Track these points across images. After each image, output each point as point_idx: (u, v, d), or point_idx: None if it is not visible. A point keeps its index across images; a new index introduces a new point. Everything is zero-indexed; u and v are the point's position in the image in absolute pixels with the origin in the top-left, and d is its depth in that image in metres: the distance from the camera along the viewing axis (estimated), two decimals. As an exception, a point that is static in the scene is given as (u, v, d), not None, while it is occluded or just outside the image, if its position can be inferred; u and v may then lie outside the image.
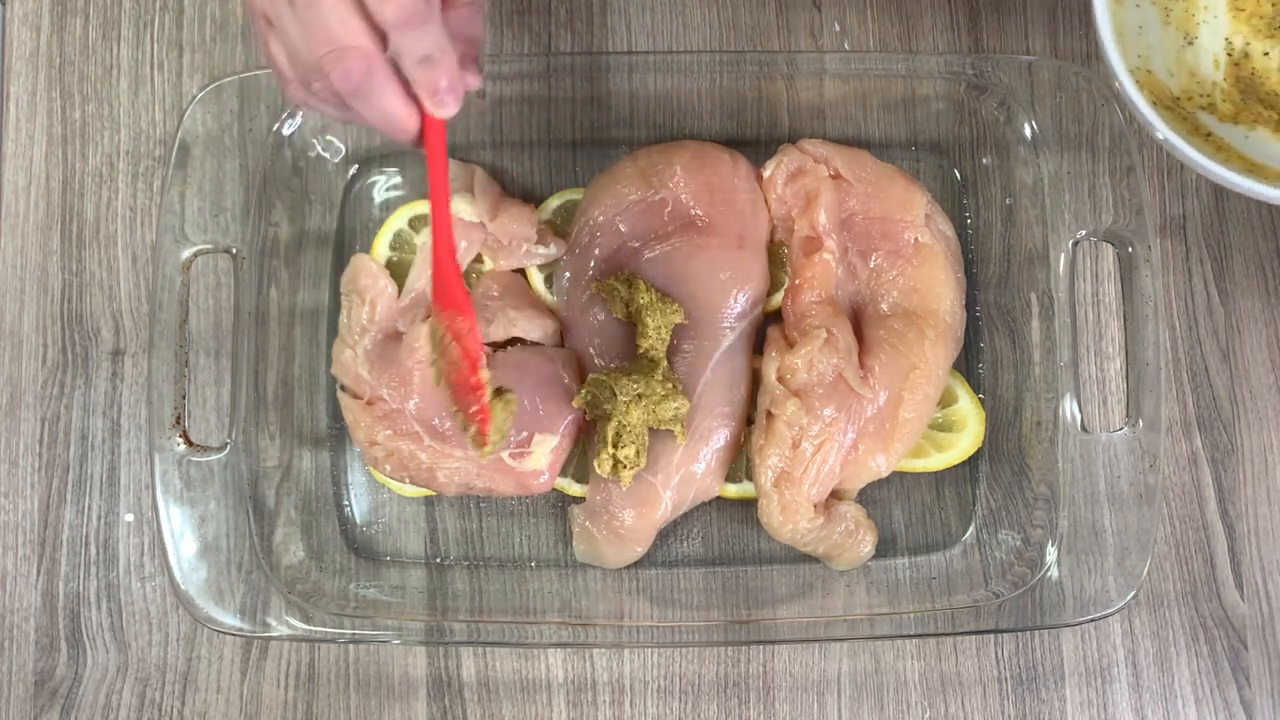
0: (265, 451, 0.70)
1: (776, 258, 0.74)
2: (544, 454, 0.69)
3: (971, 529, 0.73)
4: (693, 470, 0.70)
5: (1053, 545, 0.68)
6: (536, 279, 0.75)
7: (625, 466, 0.68)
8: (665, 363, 0.69)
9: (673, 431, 0.69)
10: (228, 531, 0.67)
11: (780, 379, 0.70)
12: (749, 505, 0.73)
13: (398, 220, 0.74)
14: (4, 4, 0.78)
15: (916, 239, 0.72)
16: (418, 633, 0.68)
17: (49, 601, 0.74)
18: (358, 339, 0.71)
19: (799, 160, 0.73)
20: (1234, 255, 0.76)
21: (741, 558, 0.74)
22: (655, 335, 0.69)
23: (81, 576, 0.74)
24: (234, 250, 0.69)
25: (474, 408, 0.61)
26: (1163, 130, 0.58)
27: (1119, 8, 0.62)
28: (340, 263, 0.74)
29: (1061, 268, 0.69)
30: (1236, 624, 0.73)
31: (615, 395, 0.67)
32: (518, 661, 0.73)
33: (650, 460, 0.69)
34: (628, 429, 0.68)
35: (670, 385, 0.68)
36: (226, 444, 0.68)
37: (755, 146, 0.75)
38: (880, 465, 0.70)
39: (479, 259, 0.74)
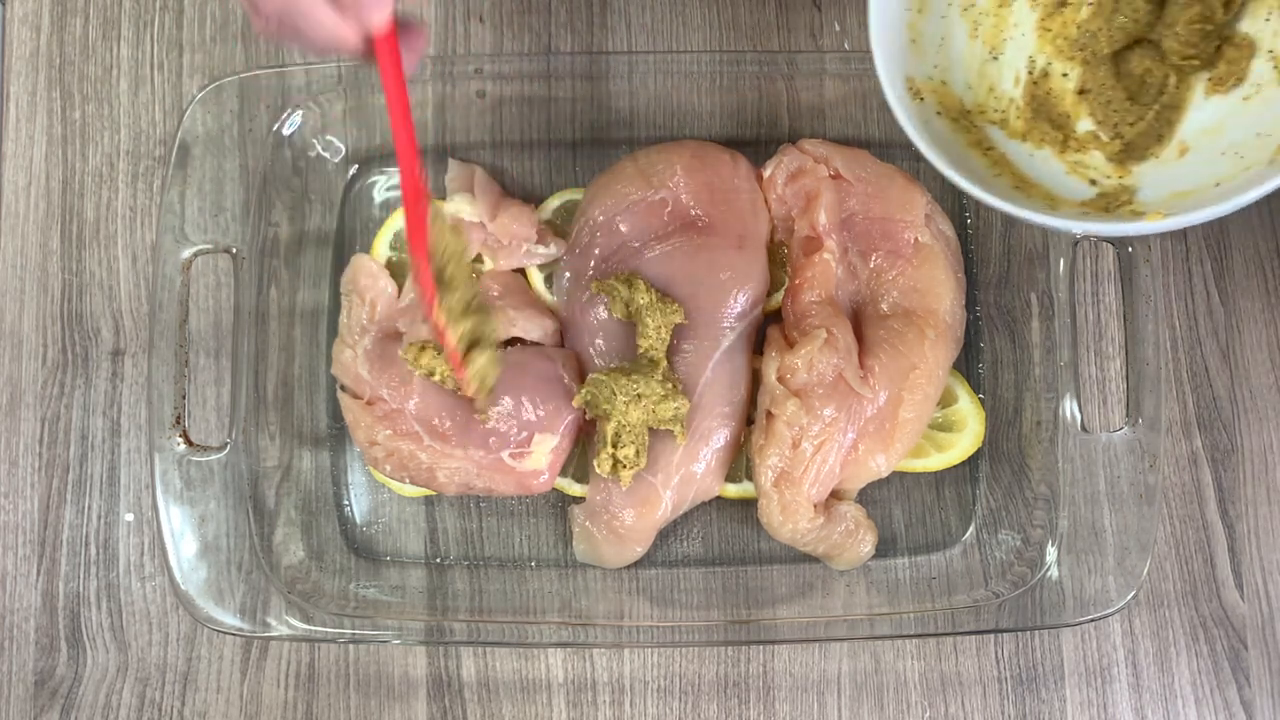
0: (265, 451, 0.70)
1: (776, 258, 0.74)
2: (544, 454, 0.69)
3: (971, 529, 0.73)
4: (693, 470, 0.70)
5: (1053, 545, 0.68)
6: (536, 279, 0.75)
7: (625, 466, 0.68)
8: (665, 363, 0.69)
9: (673, 431, 0.69)
10: (228, 531, 0.67)
11: (780, 379, 0.70)
12: (749, 505, 0.73)
13: (398, 220, 0.74)
14: (4, 4, 0.78)
15: (916, 239, 0.72)
16: (418, 633, 0.68)
17: (49, 601, 0.74)
18: (358, 339, 0.71)
19: (799, 160, 0.73)
20: (1234, 255, 0.76)
21: (741, 558, 0.74)
22: (655, 335, 0.69)
23: (81, 576, 0.74)
24: (234, 250, 0.69)
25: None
26: (917, 138, 0.59)
27: (919, 18, 0.63)
28: (340, 263, 0.74)
29: (1061, 268, 0.69)
30: (1236, 624, 0.73)
31: (615, 395, 0.67)
32: (518, 661, 0.73)
33: (650, 460, 0.70)
34: (628, 429, 0.68)
35: (670, 385, 0.68)
36: (226, 444, 0.68)
37: (755, 146, 0.75)
38: (880, 465, 0.70)
39: (479, 259, 0.74)
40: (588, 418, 0.71)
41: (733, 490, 0.73)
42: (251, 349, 0.69)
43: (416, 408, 0.69)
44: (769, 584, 0.72)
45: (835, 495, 0.72)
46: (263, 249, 0.70)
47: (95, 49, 0.78)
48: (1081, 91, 0.64)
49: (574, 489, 0.73)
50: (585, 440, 0.73)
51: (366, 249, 0.75)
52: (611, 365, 0.71)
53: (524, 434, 0.69)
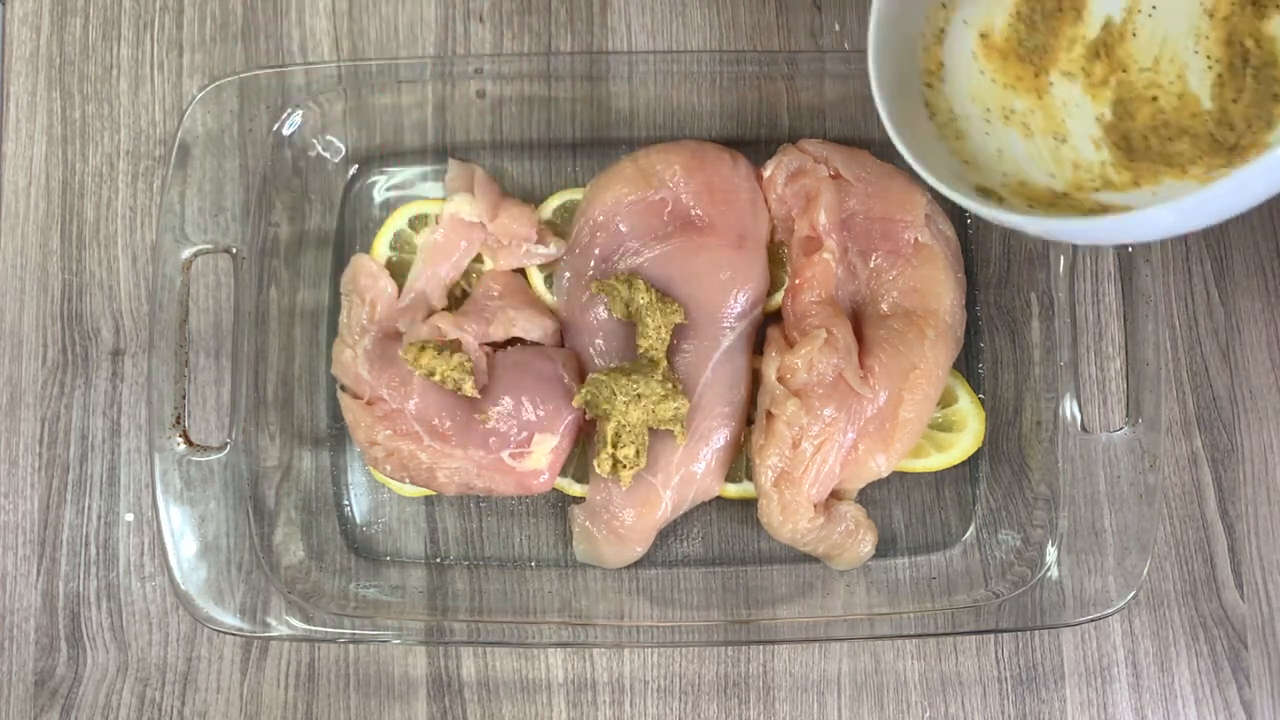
0: (265, 451, 0.70)
1: (776, 258, 0.74)
2: (544, 454, 0.69)
3: (971, 529, 0.73)
4: (693, 470, 0.70)
5: (1053, 545, 0.68)
6: (536, 279, 0.75)
7: (625, 466, 0.68)
8: (665, 363, 0.69)
9: (673, 431, 0.69)
10: (228, 531, 0.67)
11: (780, 379, 0.70)
12: (749, 505, 0.73)
13: (398, 220, 0.74)
14: (4, 4, 0.78)
15: (916, 239, 0.71)
16: (418, 633, 0.68)
17: (49, 601, 0.74)
18: (358, 339, 0.71)
19: (799, 160, 0.73)
20: (1234, 255, 0.76)
21: (741, 558, 0.74)
22: (655, 335, 0.69)
23: (81, 576, 0.74)
24: (234, 250, 0.69)
25: None
26: (1054, 234, 0.57)
27: (961, 144, 0.61)
28: (340, 263, 0.74)
29: (1061, 268, 0.69)
30: (1236, 624, 0.73)
31: (615, 395, 0.67)
32: (518, 661, 0.73)
33: (650, 460, 0.70)
34: (627, 429, 0.68)
35: (670, 385, 0.68)
36: (226, 444, 0.68)
37: (755, 146, 0.75)
38: (880, 465, 0.70)
39: (479, 259, 0.74)
40: (588, 418, 0.71)
41: (733, 490, 0.73)
42: (251, 349, 0.69)
43: (416, 408, 0.69)
44: (769, 584, 0.72)
45: (835, 495, 0.72)
46: (263, 249, 0.70)
47: (95, 49, 0.78)
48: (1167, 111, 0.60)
49: (574, 489, 0.73)
50: (585, 440, 0.73)
51: (366, 249, 0.75)
52: (611, 365, 0.71)
53: (524, 434, 0.69)
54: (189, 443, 0.67)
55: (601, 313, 0.72)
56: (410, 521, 0.74)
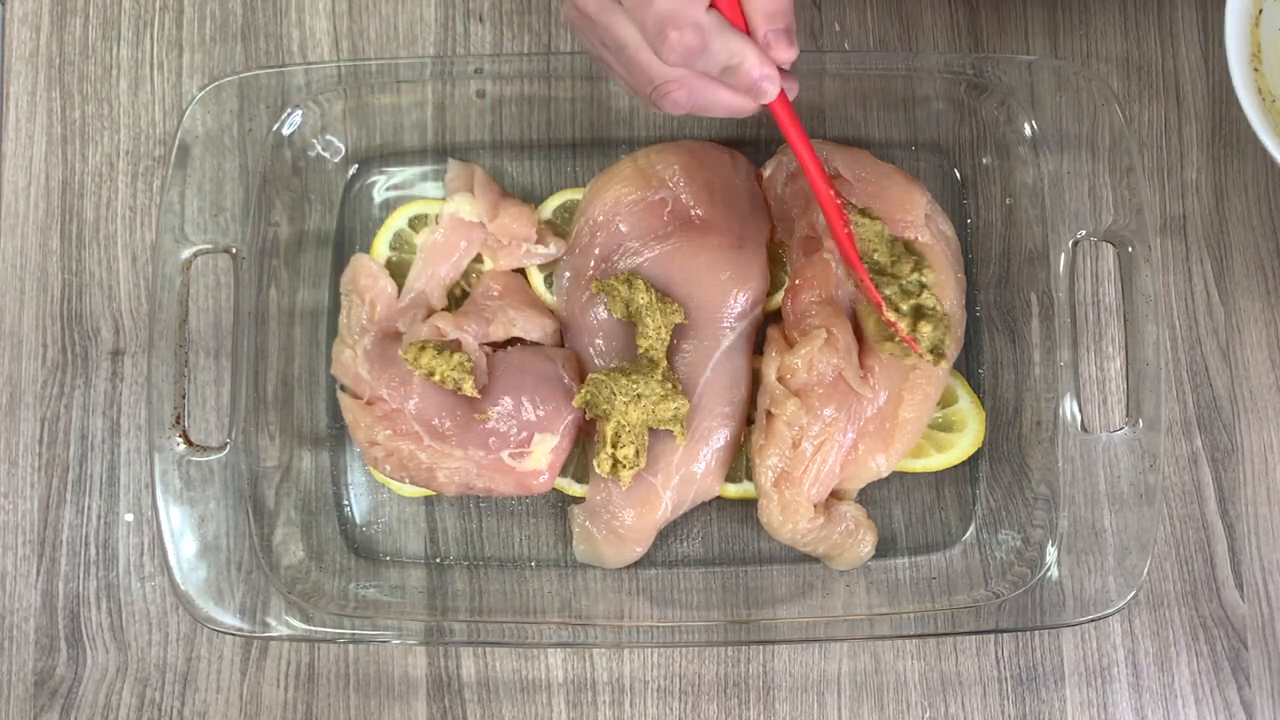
0: (265, 451, 0.70)
1: (776, 258, 0.74)
2: (544, 454, 0.69)
3: (971, 529, 0.73)
4: (693, 470, 0.70)
5: (1053, 545, 0.68)
6: (536, 279, 0.75)
7: (625, 466, 0.68)
8: (665, 363, 0.69)
9: (672, 431, 0.69)
10: (228, 531, 0.67)
11: (780, 379, 0.69)
12: (749, 505, 0.73)
13: (398, 220, 0.74)
14: (4, 4, 0.78)
15: (916, 239, 0.71)
16: (418, 633, 0.68)
17: (49, 601, 0.74)
18: (358, 339, 0.71)
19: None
20: (1234, 255, 0.76)
21: (741, 558, 0.74)
22: (655, 335, 0.69)
23: (81, 576, 0.74)
24: (234, 250, 0.69)
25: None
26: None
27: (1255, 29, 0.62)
28: (340, 263, 0.74)
29: (1061, 268, 0.69)
30: (1236, 624, 0.73)
31: (615, 395, 0.67)
32: (518, 661, 0.73)
33: (650, 460, 0.70)
34: (627, 429, 0.68)
35: (670, 385, 0.68)
36: (226, 444, 0.68)
37: (755, 146, 0.75)
38: (880, 465, 0.70)
39: (479, 259, 0.74)
40: (588, 418, 0.71)
41: (733, 490, 0.73)
42: (251, 349, 0.69)
43: (416, 408, 0.69)
44: (769, 584, 0.72)
45: (835, 495, 0.72)
46: (263, 249, 0.70)
47: (95, 49, 0.78)
48: None
49: (574, 489, 0.73)
50: (585, 440, 0.73)
51: (366, 249, 0.75)
52: (611, 365, 0.71)
53: (524, 434, 0.69)
54: (189, 443, 0.67)
55: (601, 313, 0.72)
56: (410, 521, 0.74)
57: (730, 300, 0.71)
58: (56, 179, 0.76)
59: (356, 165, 0.75)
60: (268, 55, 0.77)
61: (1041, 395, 0.70)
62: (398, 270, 0.74)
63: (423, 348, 0.68)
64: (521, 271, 0.75)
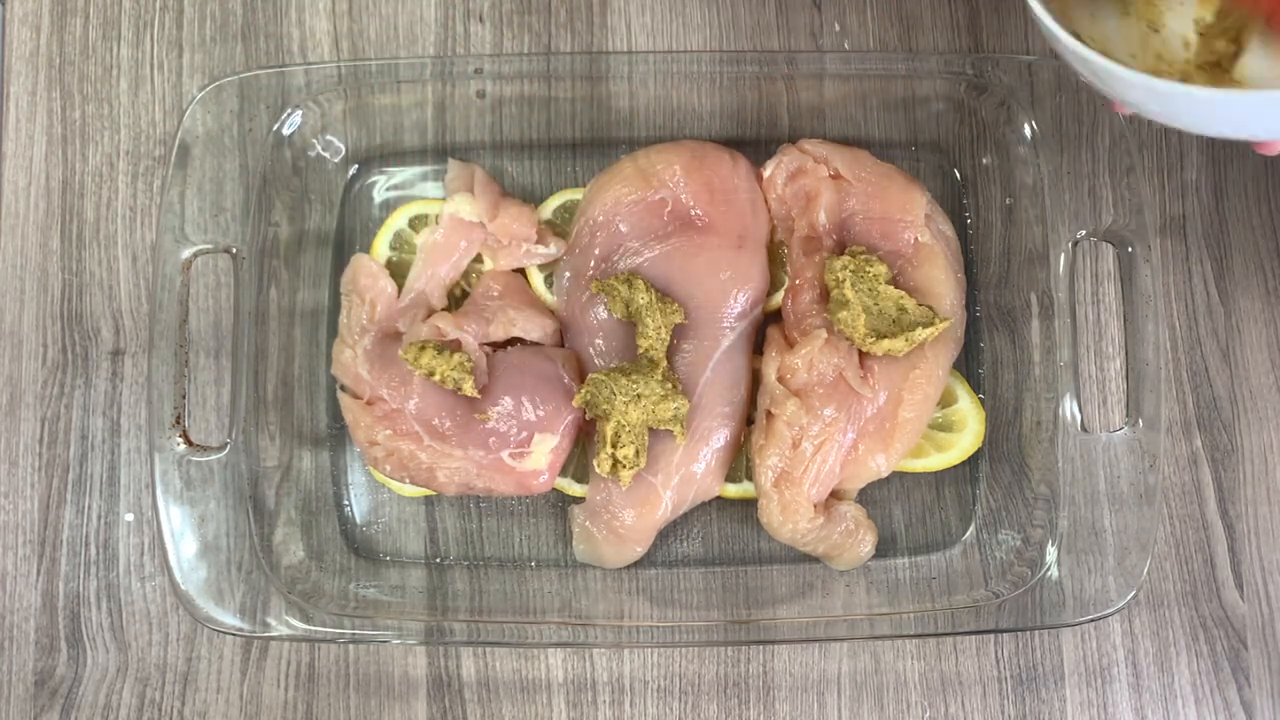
0: (265, 451, 0.70)
1: (776, 258, 0.74)
2: (544, 454, 0.69)
3: (971, 529, 0.73)
4: (693, 470, 0.70)
5: (1053, 545, 0.68)
6: (536, 279, 0.75)
7: (625, 466, 0.68)
8: (665, 363, 0.69)
9: (673, 431, 0.69)
10: (228, 531, 0.67)
11: (780, 379, 0.70)
12: (749, 505, 0.73)
13: (398, 220, 0.74)
14: (4, 4, 0.78)
15: (916, 239, 0.72)
16: (418, 633, 0.68)
17: (49, 601, 0.74)
18: (358, 339, 0.71)
19: (799, 160, 0.73)
20: (1234, 255, 0.76)
21: (741, 558, 0.74)
22: (655, 335, 0.69)
23: (81, 576, 0.74)
24: (234, 250, 0.69)
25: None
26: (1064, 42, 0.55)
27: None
28: (340, 263, 0.74)
29: (1061, 268, 0.69)
30: (1236, 624, 0.73)
31: (615, 395, 0.67)
32: (518, 661, 0.73)
33: (650, 460, 0.70)
34: (627, 429, 0.68)
35: (670, 385, 0.68)
36: (226, 444, 0.68)
37: (755, 146, 0.75)
38: (880, 465, 0.70)
39: (479, 258, 0.74)
40: (588, 418, 0.71)
41: (733, 490, 0.73)
42: (251, 349, 0.69)
43: (416, 408, 0.69)
44: (769, 584, 0.72)
45: (835, 495, 0.72)
46: (263, 249, 0.70)
47: (95, 49, 0.78)
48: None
49: (574, 489, 0.73)
50: (585, 440, 0.73)
51: (366, 249, 0.75)
52: (611, 365, 0.71)
53: (524, 434, 0.69)
54: (189, 443, 0.67)
55: (601, 313, 0.72)
56: (410, 521, 0.74)
57: (730, 300, 0.71)
58: (57, 179, 0.77)
59: (356, 165, 0.75)
60: (268, 55, 0.77)
61: (1041, 395, 0.70)
62: (398, 270, 0.74)
63: (423, 348, 0.68)
64: (521, 271, 0.75)
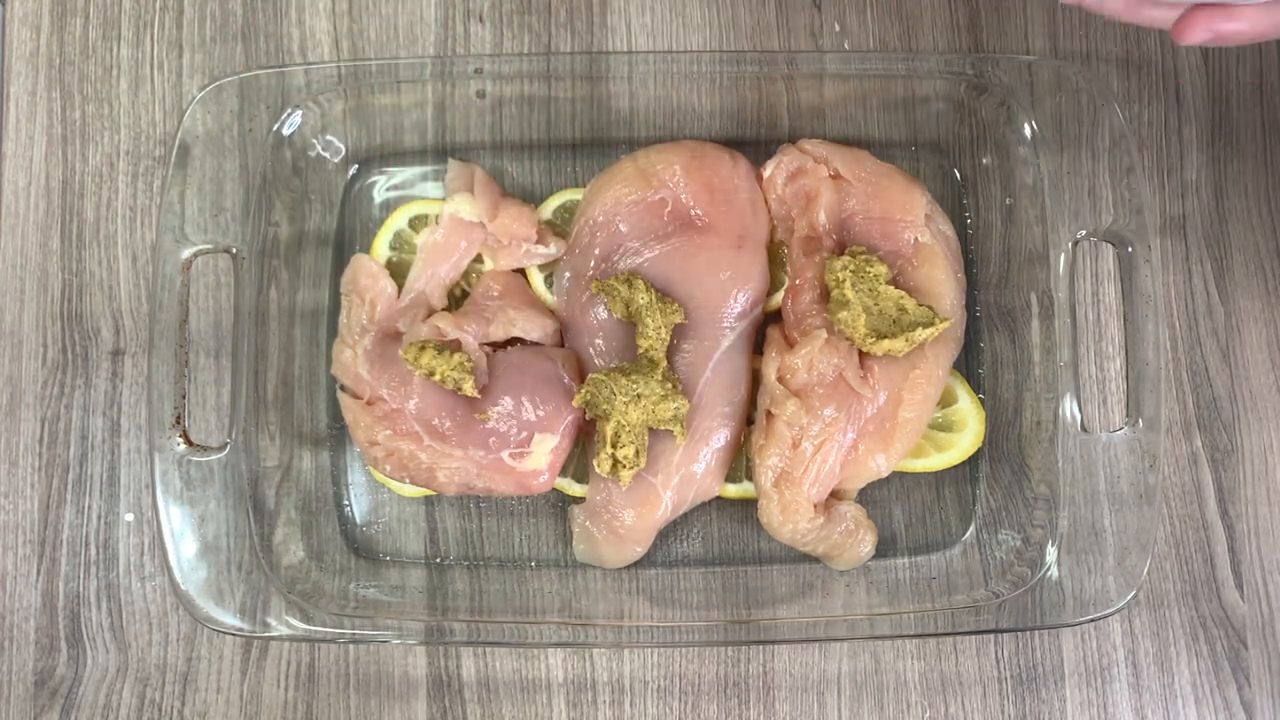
0: (265, 451, 0.70)
1: (776, 258, 0.74)
2: (544, 454, 0.69)
3: (971, 529, 0.73)
4: (693, 470, 0.70)
5: (1053, 545, 0.68)
6: (536, 279, 0.75)
7: (625, 466, 0.68)
8: (665, 363, 0.69)
9: (672, 431, 0.69)
10: (228, 531, 0.67)
11: (780, 379, 0.70)
12: (749, 505, 0.73)
13: (398, 220, 0.74)
14: (4, 4, 0.78)
15: (917, 239, 0.72)
16: (418, 633, 0.68)
17: (49, 601, 0.74)
18: (358, 339, 0.71)
19: (799, 160, 0.73)
20: (1234, 255, 0.76)
21: (741, 558, 0.74)
22: (655, 335, 0.69)
23: (81, 576, 0.74)
24: (234, 250, 0.69)
25: None
26: None
27: None
28: (340, 263, 0.74)
29: (1061, 268, 0.69)
30: (1236, 624, 0.73)
31: (615, 395, 0.67)
32: (518, 661, 0.73)
33: (650, 460, 0.70)
34: (627, 429, 0.68)
35: (670, 385, 0.68)
36: (226, 444, 0.68)
37: (755, 146, 0.75)
38: (880, 465, 0.70)
39: (479, 258, 0.74)
40: (588, 418, 0.71)
41: (733, 490, 0.73)
42: (251, 349, 0.69)
43: (416, 408, 0.69)
44: (769, 584, 0.72)
45: (835, 495, 0.72)
46: (263, 249, 0.70)
47: (95, 49, 0.78)
48: None
49: (574, 489, 0.73)
50: (585, 440, 0.73)
51: (366, 249, 0.75)
52: (611, 365, 0.71)
53: (524, 434, 0.69)
54: (189, 443, 0.67)
55: (601, 313, 0.72)
56: (410, 521, 0.74)
57: (730, 300, 0.71)
58: (57, 179, 0.77)
59: (356, 165, 0.75)
60: (268, 55, 0.77)
61: (1041, 395, 0.70)
62: (398, 270, 0.74)
63: (423, 348, 0.68)
64: (521, 271, 0.75)
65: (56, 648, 0.73)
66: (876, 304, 0.68)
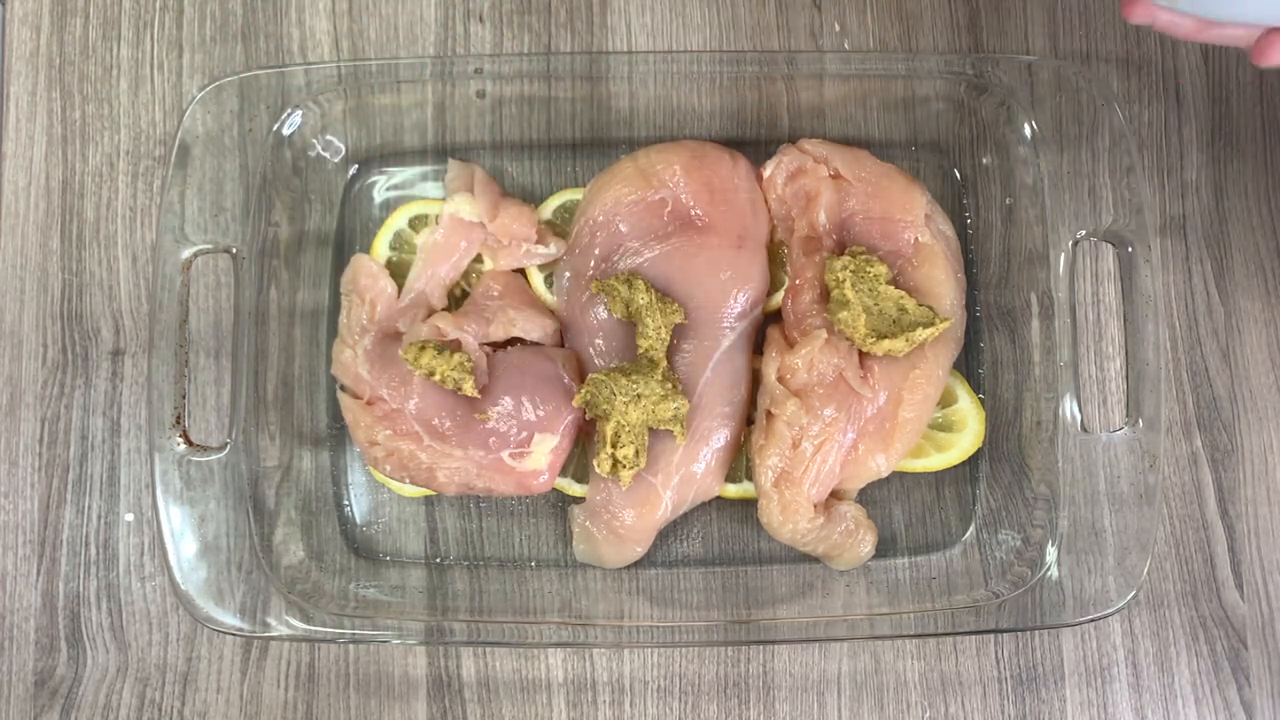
0: (265, 451, 0.70)
1: (776, 258, 0.74)
2: (544, 454, 0.69)
3: (971, 529, 0.73)
4: (693, 470, 0.70)
5: (1053, 545, 0.68)
6: (536, 279, 0.75)
7: (625, 466, 0.68)
8: (665, 363, 0.69)
9: (673, 431, 0.69)
10: (228, 531, 0.67)
11: (780, 379, 0.70)
12: (749, 505, 0.73)
13: (398, 220, 0.74)
14: (4, 4, 0.78)
15: (917, 239, 0.72)
16: (418, 633, 0.68)
17: (49, 601, 0.74)
18: (358, 339, 0.71)
19: (799, 160, 0.73)
20: (1234, 255, 0.76)
21: (741, 558, 0.74)
22: (655, 335, 0.69)
23: (81, 576, 0.74)
24: (234, 250, 0.69)
25: None
26: None
27: None
28: (340, 263, 0.74)
29: (1061, 268, 0.69)
30: (1236, 624, 0.73)
31: (615, 395, 0.67)
32: (518, 661, 0.73)
33: (650, 460, 0.70)
34: (627, 429, 0.68)
35: (670, 385, 0.68)
36: (226, 444, 0.68)
37: (755, 146, 0.75)
38: (880, 465, 0.70)
39: (479, 258, 0.74)
40: (588, 418, 0.71)
41: (733, 490, 0.73)
42: (251, 349, 0.69)
43: (416, 408, 0.69)
44: (769, 584, 0.72)
45: (835, 495, 0.72)
46: (263, 249, 0.70)
47: (95, 49, 0.78)
48: None
49: (574, 489, 0.73)
50: (585, 440, 0.73)
51: (366, 249, 0.75)
52: (611, 365, 0.71)
53: (524, 434, 0.69)
54: (189, 443, 0.67)
55: (601, 313, 0.72)
56: (410, 521, 0.74)
57: (730, 300, 0.71)
58: (56, 179, 0.76)
59: (356, 165, 0.75)
60: (268, 55, 0.77)
61: (1041, 395, 0.70)
62: (398, 270, 0.74)
63: (423, 348, 0.68)
64: (521, 271, 0.75)
65: (56, 648, 0.73)
66: (876, 304, 0.68)
